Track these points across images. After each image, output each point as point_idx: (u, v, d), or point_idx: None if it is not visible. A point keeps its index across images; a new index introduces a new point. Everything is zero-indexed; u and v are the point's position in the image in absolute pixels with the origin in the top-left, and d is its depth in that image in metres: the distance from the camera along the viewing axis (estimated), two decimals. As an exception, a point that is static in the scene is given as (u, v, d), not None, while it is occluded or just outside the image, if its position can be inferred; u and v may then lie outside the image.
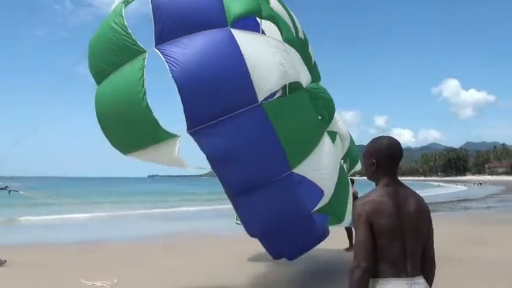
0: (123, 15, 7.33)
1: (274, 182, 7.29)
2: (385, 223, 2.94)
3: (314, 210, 7.81)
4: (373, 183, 3.24)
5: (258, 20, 7.83)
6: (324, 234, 8.60)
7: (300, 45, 8.65)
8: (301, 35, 9.01)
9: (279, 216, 7.69)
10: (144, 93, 6.83)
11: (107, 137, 7.83)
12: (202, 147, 6.86)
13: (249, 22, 7.84)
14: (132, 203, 43.73)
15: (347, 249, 12.45)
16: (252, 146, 7.09)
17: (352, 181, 12.84)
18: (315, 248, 8.91)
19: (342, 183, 8.71)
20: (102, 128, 7.80)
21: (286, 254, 8.67)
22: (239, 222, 10.90)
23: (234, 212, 8.86)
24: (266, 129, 7.04)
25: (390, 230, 2.94)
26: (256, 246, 9.00)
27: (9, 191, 12.72)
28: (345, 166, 9.50)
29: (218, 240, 16.26)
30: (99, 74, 7.72)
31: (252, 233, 8.25)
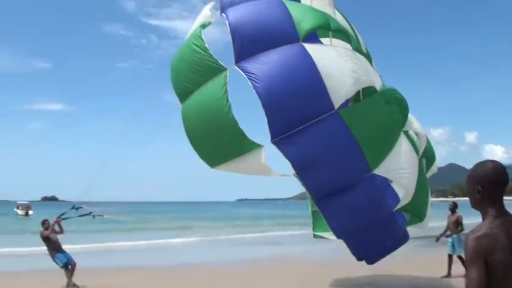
0: (203, 37, 8.00)
1: (356, 184, 7.68)
2: (500, 259, 2.73)
3: (396, 208, 8.07)
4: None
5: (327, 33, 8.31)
6: (404, 236, 8.82)
7: (366, 57, 8.94)
8: (364, 50, 9.24)
9: (362, 216, 8.00)
10: (230, 106, 7.42)
11: (196, 149, 8.43)
12: (287, 155, 7.31)
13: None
14: (223, 228, 43.94)
15: (445, 277, 11.55)
16: (332, 151, 7.51)
17: (456, 205, 12.00)
18: (409, 275, 8.47)
19: (422, 182, 8.82)
20: (191, 141, 8.41)
21: (368, 256, 8.80)
22: (317, 233, 11.15)
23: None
24: (344, 134, 7.39)
25: (506, 265, 2.73)
26: (347, 271, 8.63)
27: (94, 216, 12.87)
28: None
29: (310, 265, 15.80)
30: (183, 93, 8.38)
31: (338, 234, 8.52)
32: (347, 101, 8.05)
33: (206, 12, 8.50)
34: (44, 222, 13.34)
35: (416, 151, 9.01)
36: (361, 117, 7.69)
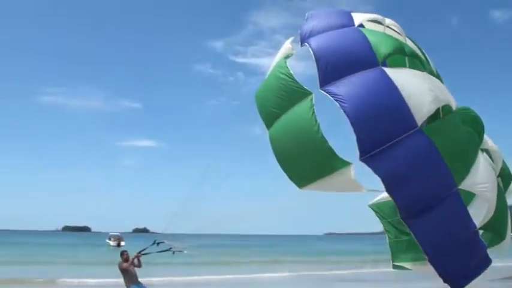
0: (288, 66, 8.72)
1: (444, 199, 7.88)
2: None
3: (480, 226, 8.32)
4: None
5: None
6: (487, 258, 8.75)
7: (438, 79, 9.38)
8: (435, 72, 9.59)
9: (449, 233, 8.12)
10: (319, 126, 7.94)
11: (285, 170, 8.82)
12: (377, 172, 7.67)
13: None
14: (311, 263, 43.03)
15: None
16: (420, 166, 7.80)
17: None
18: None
19: (501, 200, 8.96)
20: (280, 163, 8.83)
21: (454, 276, 8.67)
22: (397, 263, 10.98)
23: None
24: (430, 149, 7.76)
25: None
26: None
27: (173, 252, 12.72)
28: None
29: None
30: (270, 118, 8.95)
31: (427, 251, 8.47)
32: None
33: (287, 45, 9.28)
34: (123, 253, 13.62)
35: (493, 169, 9.13)
36: (443, 134, 8.05)
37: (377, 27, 9.31)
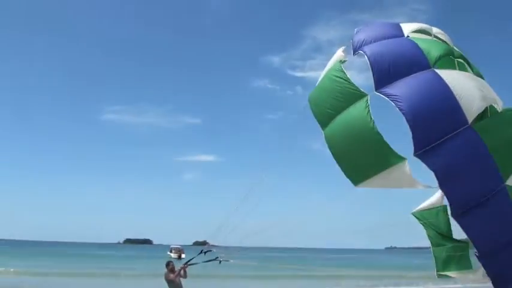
0: (343, 70, 9.34)
1: (493, 196, 8.29)
2: None
3: None
4: None
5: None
6: None
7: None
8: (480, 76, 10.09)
9: (499, 230, 8.52)
10: (374, 123, 8.53)
11: (342, 168, 9.34)
12: (431, 166, 8.19)
13: None
14: (376, 278, 42.12)
15: None
16: (470, 161, 8.27)
17: None
18: None
19: None
20: (337, 161, 9.36)
21: (503, 276, 8.93)
22: (441, 272, 10.96)
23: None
24: (480, 146, 8.25)
25: None
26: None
27: (220, 261, 12.98)
28: None
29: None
30: (324, 119, 9.53)
31: (477, 247, 8.83)
32: None
33: (340, 53, 9.96)
34: (169, 264, 14.01)
35: None
36: (492, 131, 8.51)
37: (425, 37, 9.88)
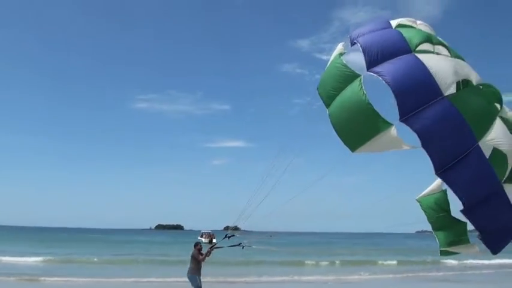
0: (342, 59, 11.40)
1: (468, 154, 9.83)
2: None
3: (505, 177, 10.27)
4: None
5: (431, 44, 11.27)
6: None
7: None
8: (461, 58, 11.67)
9: (477, 185, 10.01)
10: (366, 95, 10.35)
11: (340, 136, 11.00)
12: (413, 128, 9.87)
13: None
14: (409, 263, 42.13)
15: None
16: (447, 124, 9.92)
17: None
18: None
19: None
20: (337, 132, 11.02)
21: (487, 231, 10.48)
22: (443, 249, 11.91)
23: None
24: (454, 113, 9.95)
25: None
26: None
27: (243, 247, 13.97)
28: None
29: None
30: (329, 99, 11.33)
31: (462, 199, 10.13)
32: None
33: (340, 47, 11.96)
34: (197, 244, 16.31)
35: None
36: (464, 101, 10.20)
37: (409, 28, 11.71)
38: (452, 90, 10.20)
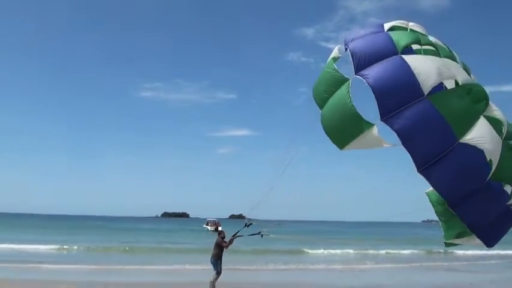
0: (334, 64, 12.05)
1: (448, 153, 10.15)
2: None
3: (489, 175, 10.38)
4: None
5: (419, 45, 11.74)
6: (509, 211, 10.97)
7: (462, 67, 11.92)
8: (458, 61, 12.00)
9: (459, 182, 10.35)
10: (351, 100, 11.04)
11: (329, 136, 11.84)
12: (393, 128, 10.31)
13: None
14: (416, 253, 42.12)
15: None
16: (426, 124, 10.29)
17: None
18: None
19: (509, 157, 10.95)
20: (326, 132, 11.88)
21: (476, 224, 10.85)
22: (447, 241, 12.01)
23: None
24: (434, 113, 10.30)
25: None
26: None
27: (262, 236, 14.78)
28: None
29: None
30: (322, 102, 12.14)
31: (444, 195, 10.66)
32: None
33: (335, 51, 12.48)
34: (221, 233, 17.94)
35: (499, 132, 10.93)
36: (445, 101, 10.57)
37: (400, 31, 12.15)
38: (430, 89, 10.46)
